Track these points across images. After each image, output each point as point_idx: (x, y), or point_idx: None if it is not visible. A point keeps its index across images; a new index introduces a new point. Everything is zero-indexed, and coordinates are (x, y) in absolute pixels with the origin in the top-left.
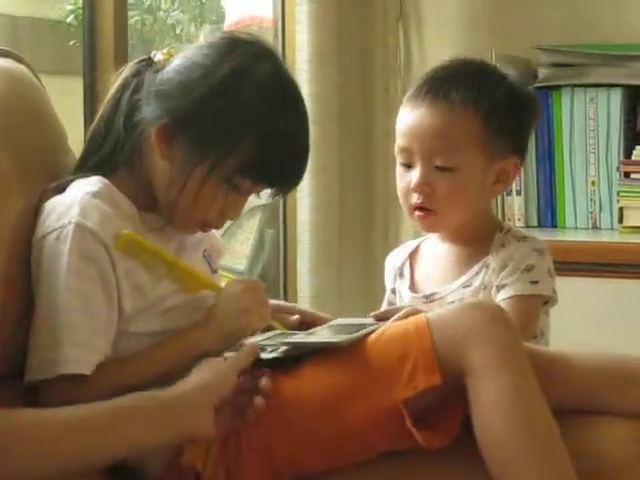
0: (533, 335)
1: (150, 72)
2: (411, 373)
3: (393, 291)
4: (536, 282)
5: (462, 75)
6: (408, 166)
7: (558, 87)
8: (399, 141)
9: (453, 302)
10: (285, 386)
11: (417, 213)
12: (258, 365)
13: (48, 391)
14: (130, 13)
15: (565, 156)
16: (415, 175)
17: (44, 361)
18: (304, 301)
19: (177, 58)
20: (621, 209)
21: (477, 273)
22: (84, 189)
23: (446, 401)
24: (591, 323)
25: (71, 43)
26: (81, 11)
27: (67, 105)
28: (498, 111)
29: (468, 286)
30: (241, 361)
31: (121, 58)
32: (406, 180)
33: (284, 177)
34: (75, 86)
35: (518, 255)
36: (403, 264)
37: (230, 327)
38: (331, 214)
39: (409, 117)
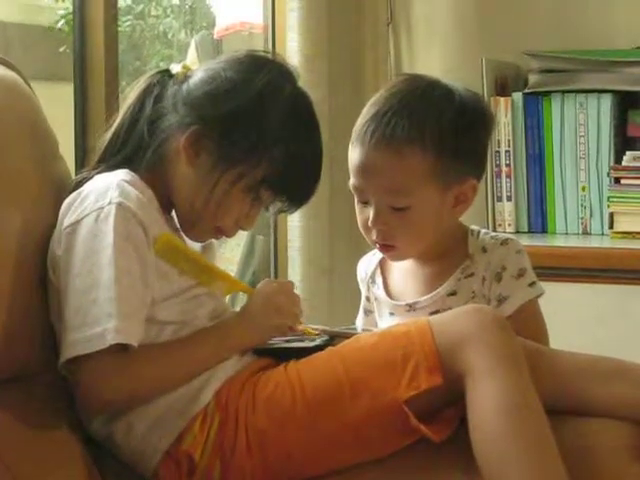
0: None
1: (173, 83)
2: (413, 373)
3: (368, 299)
4: (533, 283)
5: (407, 107)
6: (365, 202)
7: (548, 93)
8: (352, 179)
9: (438, 311)
10: (288, 379)
11: (379, 247)
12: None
13: (88, 366)
14: (122, 19)
15: (555, 162)
16: (371, 214)
17: (94, 335)
18: None
19: (201, 71)
20: (611, 214)
21: (459, 280)
22: (118, 176)
23: (444, 403)
24: (582, 328)
25: (61, 49)
26: (72, 17)
27: (57, 111)
28: (448, 140)
29: (453, 294)
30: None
31: (111, 64)
32: (364, 216)
33: (303, 191)
34: (65, 92)
35: (508, 262)
36: (374, 272)
37: (266, 323)
38: (322, 220)
39: (358, 157)
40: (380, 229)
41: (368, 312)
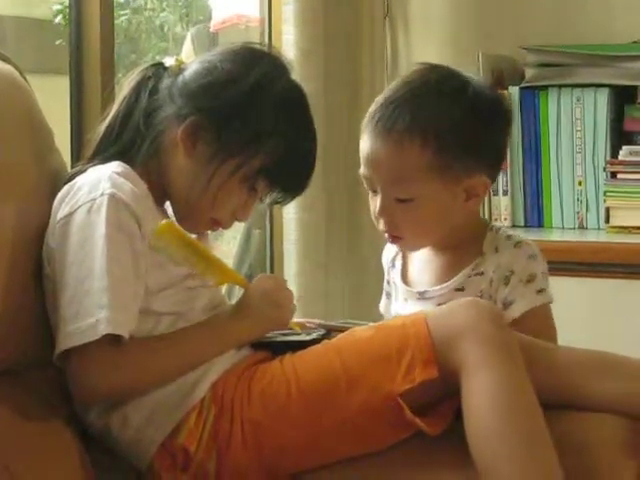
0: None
1: (167, 76)
2: (409, 366)
3: (388, 282)
4: (542, 290)
5: (415, 99)
6: (375, 191)
7: (545, 87)
8: (361, 168)
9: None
10: (283, 372)
11: (387, 236)
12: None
13: (82, 358)
14: (118, 12)
15: (552, 156)
16: (377, 204)
17: (87, 326)
18: None
19: (197, 62)
20: (608, 209)
21: (469, 277)
22: (111, 168)
23: (440, 396)
24: (578, 323)
25: (57, 42)
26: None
27: (53, 104)
28: (454, 135)
29: (461, 290)
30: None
31: (107, 57)
32: (374, 204)
33: (298, 182)
34: (61, 85)
35: (518, 267)
36: (395, 256)
37: (264, 318)
38: (318, 214)
39: (365, 146)
40: (385, 220)
41: (389, 295)
